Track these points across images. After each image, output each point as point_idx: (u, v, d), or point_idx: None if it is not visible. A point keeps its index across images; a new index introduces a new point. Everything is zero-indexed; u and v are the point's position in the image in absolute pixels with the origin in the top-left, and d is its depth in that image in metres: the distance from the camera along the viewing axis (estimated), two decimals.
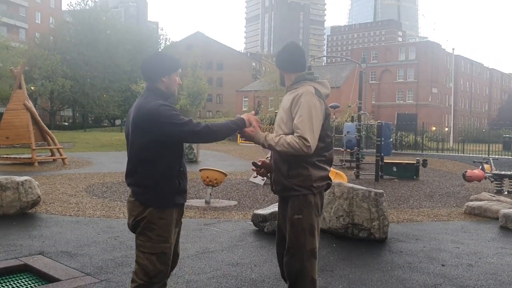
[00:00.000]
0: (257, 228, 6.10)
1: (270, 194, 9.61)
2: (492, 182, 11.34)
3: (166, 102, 2.71)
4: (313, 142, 2.82)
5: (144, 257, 2.68)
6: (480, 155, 20.85)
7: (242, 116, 2.89)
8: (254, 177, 11.64)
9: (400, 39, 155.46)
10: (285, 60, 3.11)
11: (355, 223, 5.68)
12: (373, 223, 5.62)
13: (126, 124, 2.86)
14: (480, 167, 11.87)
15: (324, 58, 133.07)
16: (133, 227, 2.77)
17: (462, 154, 23.87)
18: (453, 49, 43.97)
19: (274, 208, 6.19)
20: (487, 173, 11.36)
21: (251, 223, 6.25)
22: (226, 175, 8.57)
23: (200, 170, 8.60)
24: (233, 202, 8.53)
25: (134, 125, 2.68)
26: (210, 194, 8.34)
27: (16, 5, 57.29)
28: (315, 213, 2.96)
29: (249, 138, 2.88)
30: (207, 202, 8.19)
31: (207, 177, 8.24)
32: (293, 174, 2.91)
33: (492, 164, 12.62)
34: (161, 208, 2.70)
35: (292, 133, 2.87)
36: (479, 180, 11.26)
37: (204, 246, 5.25)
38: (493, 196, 8.80)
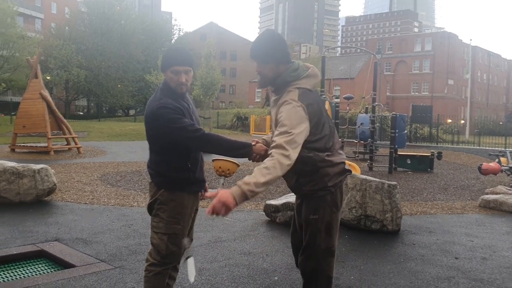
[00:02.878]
0: (269, 218, 6.12)
1: (282, 185, 9.62)
2: (508, 175, 11.19)
3: (168, 103, 2.66)
4: (292, 149, 2.46)
5: (157, 237, 2.79)
6: (497, 148, 20.58)
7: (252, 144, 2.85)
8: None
9: (416, 29, 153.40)
10: (274, 51, 2.65)
11: (367, 214, 5.67)
12: (386, 215, 5.60)
13: None
14: (496, 160, 11.69)
15: (339, 48, 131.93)
16: (148, 208, 2.88)
17: (478, 147, 23.58)
18: (470, 40, 43.27)
19: (286, 198, 6.20)
20: (503, 166, 11.20)
21: (263, 213, 6.27)
22: (238, 165, 8.53)
23: (213, 161, 8.58)
24: None
25: (144, 117, 2.83)
26: (223, 184, 8.36)
27: None
28: (333, 210, 2.77)
29: (232, 204, 2.42)
30: None
31: (220, 167, 8.21)
32: (304, 182, 2.72)
33: (509, 157, 12.42)
34: (171, 191, 2.79)
35: None
36: (495, 173, 11.10)
37: (217, 235, 5.29)
38: (509, 190, 8.70)
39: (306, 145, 2.60)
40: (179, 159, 2.79)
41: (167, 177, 2.78)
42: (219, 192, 2.43)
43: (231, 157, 2.77)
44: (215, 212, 2.41)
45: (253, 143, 2.85)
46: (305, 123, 2.57)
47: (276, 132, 2.56)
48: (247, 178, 2.43)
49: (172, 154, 2.76)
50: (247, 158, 2.85)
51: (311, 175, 2.70)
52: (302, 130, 2.54)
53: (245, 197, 2.41)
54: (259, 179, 2.41)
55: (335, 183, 2.74)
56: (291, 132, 2.50)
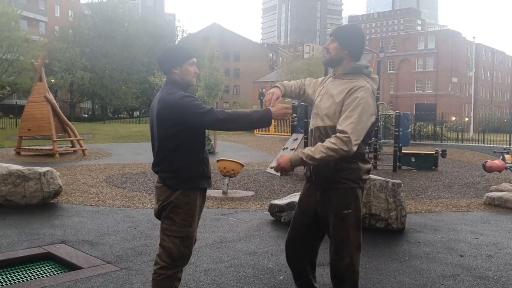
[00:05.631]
0: (274, 218, 6.13)
1: (287, 184, 9.63)
2: None
3: (188, 93, 2.79)
4: (355, 140, 2.65)
5: (169, 240, 2.80)
6: (501, 145, 20.50)
7: (269, 107, 2.84)
8: (271, 167, 11.67)
9: (419, 27, 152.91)
10: (357, 45, 2.87)
11: (372, 213, 5.67)
12: (391, 214, 5.60)
13: (150, 117, 2.95)
14: (501, 157, 11.65)
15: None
16: (158, 212, 2.88)
17: (482, 144, 23.51)
18: (473, 37, 43.08)
19: (291, 198, 6.22)
20: (507, 163, 11.15)
21: (268, 213, 6.29)
22: (243, 165, 8.61)
23: (217, 161, 8.66)
24: (250, 193, 8.58)
25: (159, 118, 2.77)
26: (227, 185, 8.40)
27: None
28: (361, 205, 2.90)
29: (288, 166, 2.74)
30: (224, 193, 8.25)
31: (224, 167, 8.29)
32: (341, 168, 2.78)
33: None
34: (187, 191, 2.80)
35: None
36: (500, 171, 11.05)
37: (222, 236, 5.31)
38: None
39: None
40: (195, 152, 2.82)
41: (183, 176, 2.78)
42: (281, 156, 2.80)
43: (255, 128, 2.82)
44: (277, 169, 2.84)
45: (271, 107, 2.83)
46: (374, 115, 2.78)
47: (344, 115, 2.71)
48: (307, 149, 2.73)
49: (189, 148, 2.79)
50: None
51: (349, 165, 2.80)
52: (369, 123, 2.74)
53: (299, 163, 2.74)
54: (315, 155, 2.67)
55: (365, 179, 2.88)
56: (359, 122, 2.67)
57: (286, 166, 2.75)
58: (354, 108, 2.69)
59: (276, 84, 3.05)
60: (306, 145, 3.08)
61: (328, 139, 2.68)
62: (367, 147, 3.12)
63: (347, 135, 2.63)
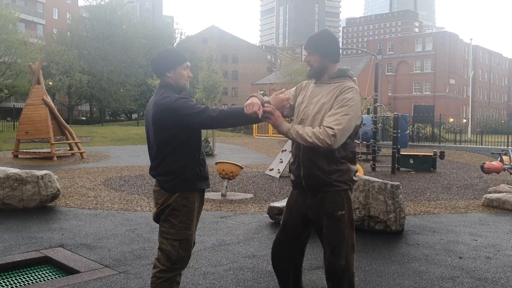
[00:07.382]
0: (273, 221, 6.12)
1: (286, 187, 9.62)
2: (511, 174, 11.17)
3: (181, 95, 2.79)
4: (339, 136, 2.65)
5: (168, 243, 2.79)
6: (499, 147, 20.53)
7: (267, 100, 2.77)
8: (270, 170, 11.66)
9: (416, 29, 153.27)
10: (335, 50, 2.91)
11: (371, 215, 5.66)
12: (390, 216, 5.59)
13: (145, 121, 2.95)
14: (499, 158, 11.68)
15: (340, 50, 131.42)
16: (157, 216, 2.87)
17: (481, 146, 23.53)
18: (471, 39, 43.14)
19: None
20: (506, 164, 11.18)
21: (267, 215, 6.28)
22: (242, 168, 8.60)
23: (216, 163, 8.65)
24: (249, 195, 8.57)
25: (155, 122, 2.77)
26: (226, 187, 8.38)
27: (34, 1, 58.09)
28: (352, 206, 2.91)
29: (273, 127, 2.75)
30: (223, 195, 8.24)
31: (223, 170, 8.29)
32: (332, 170, 2.78)
33: (511, 156, 12.41)
34: (185, 192, 2.79)
35: None
36: (498, 172, 11.08)
37: (221, 239, 5.29)
38: None
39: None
40: (192, 154, 2.82)
41: (180, 178, 2.78)
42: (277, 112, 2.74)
43: (249, 121, 2.76)
44: (265, 115, 2.69)
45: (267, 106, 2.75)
46: (360, 117, 2.84)
47: (332, 111, 2.73)
48: (296, 125, 2.78)
49: (185, 150, 2.78)
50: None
51: (340, 166, 2.80)
52: (354, 124, 2.77)
53: (283, 130, 2.75)
54: (302, 133, 2.68)
55: (355, 180, 2.89)
56: (345, 120, 2.68)
57: (275, 123, 2.71)
58: (342, 106, 2.72)
59: (253, 94, 2.88)
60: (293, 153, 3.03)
61: (318, 128, 2.68)
62: (365, 149, 3.11)
63: (333, 131, 2.64)
